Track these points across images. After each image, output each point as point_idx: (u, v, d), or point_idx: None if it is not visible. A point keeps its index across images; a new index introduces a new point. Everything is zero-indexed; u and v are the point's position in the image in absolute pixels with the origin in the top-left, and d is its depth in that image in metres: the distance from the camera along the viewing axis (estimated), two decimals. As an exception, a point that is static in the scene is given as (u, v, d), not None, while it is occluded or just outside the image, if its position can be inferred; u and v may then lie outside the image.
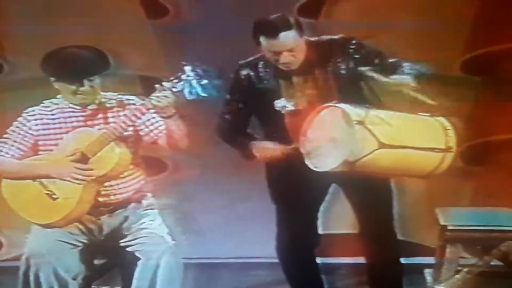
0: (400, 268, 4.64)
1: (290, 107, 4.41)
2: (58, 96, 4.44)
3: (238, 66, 4.50)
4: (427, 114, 4.34)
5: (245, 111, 4.51)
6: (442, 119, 4.33)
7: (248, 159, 4.48)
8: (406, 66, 4.37)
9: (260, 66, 4.45)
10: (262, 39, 4.34)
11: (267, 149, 4.40)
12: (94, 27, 5.55)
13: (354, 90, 4.45)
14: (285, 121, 4.40)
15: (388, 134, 4.20)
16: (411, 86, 4.26)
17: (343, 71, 4.42)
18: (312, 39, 4.46)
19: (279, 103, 4.41)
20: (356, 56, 4.43)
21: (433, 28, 5.48)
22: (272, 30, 4.30)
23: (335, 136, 4.23)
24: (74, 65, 4.34)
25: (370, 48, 4.47)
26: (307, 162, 4.28)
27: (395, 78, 4.28)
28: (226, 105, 4.53)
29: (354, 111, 4.21)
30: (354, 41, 4.45)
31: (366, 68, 4.32)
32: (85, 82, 4.32)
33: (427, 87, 5.32)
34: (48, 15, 5.56)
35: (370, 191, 4.46)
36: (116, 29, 5.59)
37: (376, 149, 4.16)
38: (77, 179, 4.26)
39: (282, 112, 4.41)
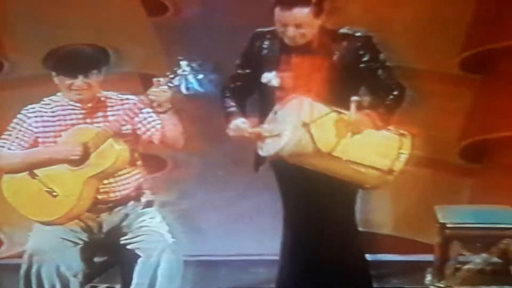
0: (364, 264, 4.67)
1: (275, 82, 4.46)
2: (58, 93, 4.45)
3: (253, 34, 4.56)
4: (395, 132, 4.36)
5: (249, 78, 4.56)
6: (406, 140, 4.34)
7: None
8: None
9: (271, 37, 4.50)
10: (277, 10, 4.40)
11: (237, 128, 4.44)
12: (94, 24, 5.55)
13: (345, 88, 4.44)
14: (272, 96, 4.44)
15: (330, 143, 4.23)
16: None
17: (343, 66, 4.44)
18: (330, 27, 4.50)
19: (266, 77, 4.47)
20: (364, 59, 4.47)
21: (432, 26, 5.47)
22: (288, 2, 4.37)
23: (285, 126, 4.28)
24: (71, 60, 4.36)
25: (382, 59, 4.50)
26: (257, 144, 4.36)
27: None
28: (236, 67, 4.58)
29: (311, 111, 4.24)
30: (371, 44, 4.48)
31: (355, 98, 4.34)
32: (80, 77, 4.33)
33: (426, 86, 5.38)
34: (49, 13, 5.55)
35: (332, 188, 4.47)
36: (116, 26, 5.58)
37: (310, 153, 4.22)
38: (75, 155, 4.27)
39: (268, 85, 4.46)
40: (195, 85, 4.25)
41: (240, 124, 4.43)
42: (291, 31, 4.39)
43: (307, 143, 4.21)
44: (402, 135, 4.37)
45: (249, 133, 4.40)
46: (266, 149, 4.35)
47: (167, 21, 5.60)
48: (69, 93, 4.39)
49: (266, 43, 4.53)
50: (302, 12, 4.36)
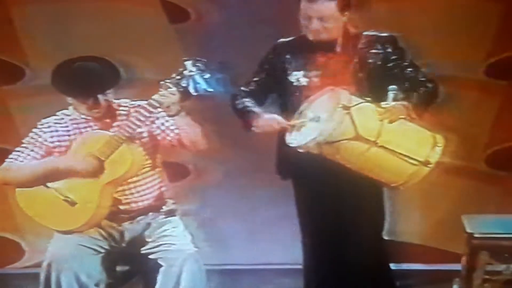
0: (388, 273, 4.65)
1: (303, 82, 4.45)
2: (70, 107, 4.42)
3: (276, 44, 4.57)
4: (427, 129, 4.36)
5: (266, 86, 4.56)
6: (439, 137, 4.35)
7: (246, 129, 4.49)
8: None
9: (295, 45, 4.51)
10: (302, 2, 4.42)
11: (265, 122, 4.40)
12: (116, 32, 5.54)
13: (374, 87, 4.46)
14: (299, 96, 4.43)
15: (370, 129, 4.21)
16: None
17: (371, 65, 4.46)
18: (354, 31, 4.50)
19: (295, 75, 4.46)
20: (392, 57, 4.48)
21: (457, 31, 5.42)
22: None
23: (320, 115, 4.26)
24: (87, 82, 4.32)
25: (409, 57, 4.51)
26: (286, 136, 4.32)
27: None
28: (251, 76, 4.57)
29: (348, 97, 4.24)
30: (397, 44, 4.50)
31: (394, 87, 4.35)
32: (100, 97, 4.30)
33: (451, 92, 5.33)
34: (71, 21, 5.55)
35: (357, 195, 4.47)
36: (138, 33, 5.57)
37: (350, 139, 4.18)
38: (86, 167, 4.23)
39: (295, 84, 4.46)
40: (203, 85, 4.20)
41: (276, 118, 4.38)
42: (314, 23, 4.39)
43: (348, 126, 4.19)
44: (433, 132, 4.37)
45: (287, 125, 4.35)
46: (300, 137, 4.29)
47: (189, 28, 5.58)
48: (88, 112, 4.35)
49: (289, 53, 4.51)
50: (328, 5, 4.38)
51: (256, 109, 4.47)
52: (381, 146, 4.21)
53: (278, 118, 4.41)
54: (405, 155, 4.25)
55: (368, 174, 4.32)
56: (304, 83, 4.46)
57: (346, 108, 4.18)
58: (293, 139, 4.32)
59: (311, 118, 4.31)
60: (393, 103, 4.30)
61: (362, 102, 4.26)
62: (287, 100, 4.50)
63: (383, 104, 4.29)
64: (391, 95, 4.31)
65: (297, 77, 4.47)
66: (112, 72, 4.39)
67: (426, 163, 4.27)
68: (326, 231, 4.60)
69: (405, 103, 4.33)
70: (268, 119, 4.41)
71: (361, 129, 4.19)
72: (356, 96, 4.31)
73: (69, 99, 4.37)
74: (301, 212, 4.68)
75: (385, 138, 4.23)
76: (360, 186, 4.42)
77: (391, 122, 4.27)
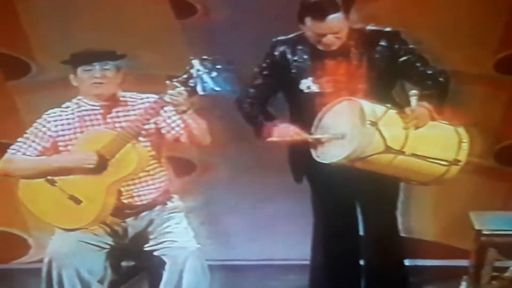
0: (403, 270, 4.63)
1: (314, 88, 4.40)
2: (79, 96, 4.41)
3: (275, 41, 4.50)
4: (447, 123, 4.34)
5: (271, 86, 4.51)
6: (462, 130, 4.34)
7: (258, 137, 4.45)
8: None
9: (297, 44, 4.45)
10: (307, 20, 4.34)
11: (284, 133, 4.34)
12: (122, 27, 5.52)
13: (385, 85, 4.44)
14: (312, 103, 4.38)
15: (398, 138, 4.21)
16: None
17: (380, 63, 4.42)
18: (357, 26, 4.46)
19: (304, 83, 4.41)
20: (400, 53, 4.44)
21: (466, 26, 5.40)
22: (320, 13, 4.30)
23: (346, 130, 4.23)
24: (87, 52, 4.37)
25: (416, 51, 4.47)
26: (312, 151, 4.29)
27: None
28: (253, 78, 4.52)
29: (372, 110, 4.21)
30: (402, 38, 4.46)
31: (415, 92, 4.30)
32: (97, 66, 4.29)
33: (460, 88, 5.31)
34: (77, 16, 5.54)
35: (375, 191, 4.46)
36: (144, 28, 5.56)
37: (381, 152, 4.16)
38: (90, 164, 4.21)
39: (306, 91, 4.41)
40: (210, 84, 4.17)
41: (292, 128, 4.33)
42: (329, 39, 4.34)
43: (378, 142, 4.18)
44: (455, 126, 4.36)
45: (309, 139, 4.30)
46: (331, 154, 4.27)
47: (196, 23, 5.56)
48: (88, 89, 4.34)
49: (291, 52, 4.46)
50: (337, 19, 4.32)
51: (269, 117, 4.43)
52: (409, 154, 4.22)
53: (294, 128, 4.35)
54: (433, 158, 4.25)
55: (398, 177, 4.35)
56: (316, 90, 4.41)
57: (374, 124, 4.17)
58: (323, 156, 4.29)
59: (335, 134, 4.27)
60: (417, 108, 4.25)
61: (385, 111, 4.24)
62: (301, 108, 4.44)
63: (407, 110, 4.25)
64: (413, 101, 4.27)
65: (307, 84, 4.42)
66: (116, 52, 4.40)
67: (455, 162, 4.29)
68: (341, 229, 4.58)
69: (427, 105, 4.28)
70: (283, 129, 4.35)
71: (390, 141, 4.20)
72: (375, 103, 4.27)
73: (75, 81, 4.37)
74: (316, 210, 4.64)
75: (412, 145, 4.23)
76: (376, 184, 4.41)
77: (417, 128, 4.25)
